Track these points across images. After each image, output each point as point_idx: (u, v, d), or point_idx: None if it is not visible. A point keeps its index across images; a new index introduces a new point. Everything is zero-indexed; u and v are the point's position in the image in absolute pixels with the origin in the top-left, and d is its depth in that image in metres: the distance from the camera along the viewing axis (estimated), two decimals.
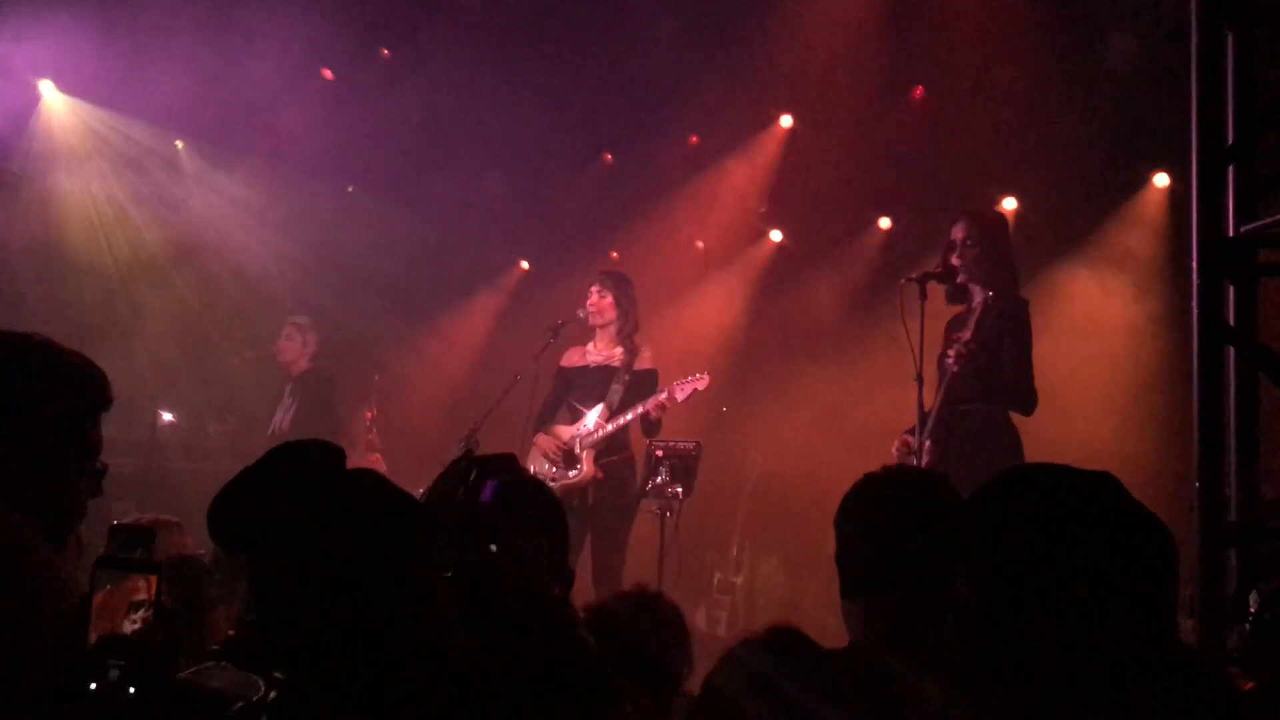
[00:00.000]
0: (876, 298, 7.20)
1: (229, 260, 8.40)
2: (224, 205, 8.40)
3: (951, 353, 4.64)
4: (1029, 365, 4.70)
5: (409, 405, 8.47)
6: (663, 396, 5.43)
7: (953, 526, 1.64)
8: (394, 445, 7.95)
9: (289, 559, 1.51)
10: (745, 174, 7.90)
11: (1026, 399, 4.71)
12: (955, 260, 4.78)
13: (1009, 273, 4.89)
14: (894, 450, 4.89)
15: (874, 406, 6.39)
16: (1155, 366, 6.30)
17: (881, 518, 2.03)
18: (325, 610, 1.50)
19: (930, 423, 4.73)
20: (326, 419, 7.07)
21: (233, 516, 1.56)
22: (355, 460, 8.12)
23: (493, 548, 1.78)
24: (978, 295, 4.89)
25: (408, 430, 8.15)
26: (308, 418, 6.93)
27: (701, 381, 5.43)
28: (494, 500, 1.89)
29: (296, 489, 1.53)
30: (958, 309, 4.93)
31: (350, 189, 8.48)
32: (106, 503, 6.87)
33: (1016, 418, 4.72)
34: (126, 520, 2.57)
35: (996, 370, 4.62)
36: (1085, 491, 1.55)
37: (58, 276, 7.42)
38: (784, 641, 1.89)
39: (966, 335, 4.62)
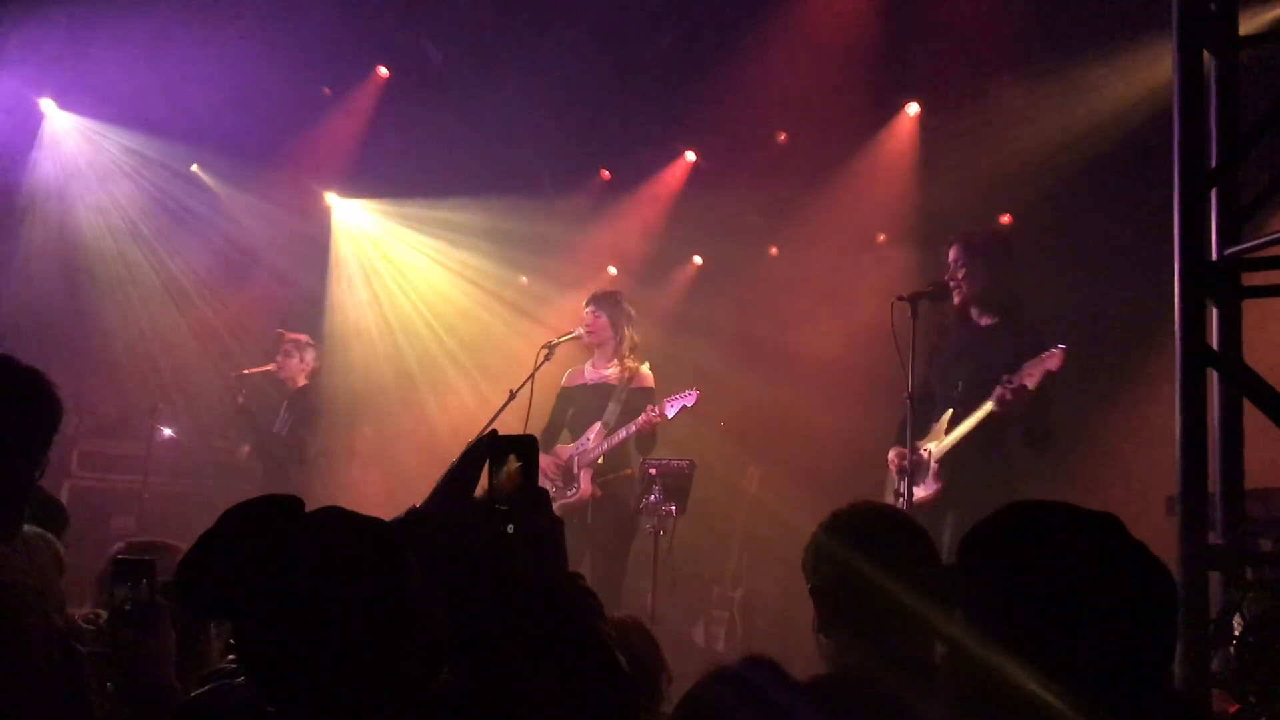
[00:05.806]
0: (872, 315, 7.20)
1: (233, 275, 8.44)
2: (231, 222, 8.45)
3: (1005, 393, 4.49)
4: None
5: (407, 422, 8.48)
6: (652, 414, 5.45)
7: (923, 565, 1.64)
8: (392, 461, 7.96)
9: (266, 616, 1.52)
10: (741, 190, 7.89)
11: (1051, 439, 4.73)
12: (947, 279, 4.84)
13: (1007, 293, 4.90)
14: (891, 462, 4.91)
15: (869, 422, 6.38)
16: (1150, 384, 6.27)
17: (851, 559, 2.02)
18: (310, 657, 1.50)
19: (941, 451, 4.73)
20: (317, 429, 7.12)
21: (203, 587, 1.55)
22: (355, 473, 8.19)
23: (509, 529, 1.68)
24: (976, 316, 4.93)
25: (406, 445, 8.17)
26: (298, 430, 6.99)
27: (689, 398, 5.45)
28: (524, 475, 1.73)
29: (260, 546, 1.53)
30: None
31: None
32: (105, 519, 6.95)
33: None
34: (123, 550, 2.60)
35: (1036, 409, 4.60)
36: (1089, 532, 1.55)
37: (66, 298, 7.45)
38: (757, 671, 1.90)
39: (1023, 381, 4.47)
